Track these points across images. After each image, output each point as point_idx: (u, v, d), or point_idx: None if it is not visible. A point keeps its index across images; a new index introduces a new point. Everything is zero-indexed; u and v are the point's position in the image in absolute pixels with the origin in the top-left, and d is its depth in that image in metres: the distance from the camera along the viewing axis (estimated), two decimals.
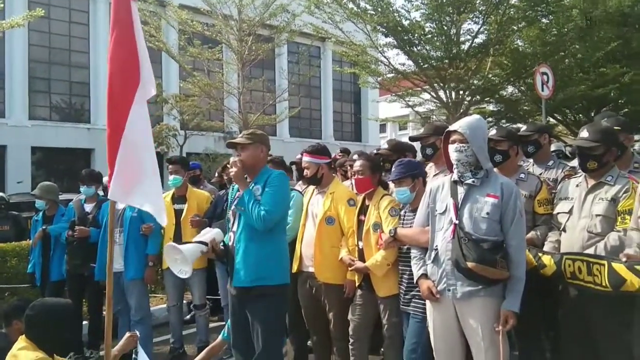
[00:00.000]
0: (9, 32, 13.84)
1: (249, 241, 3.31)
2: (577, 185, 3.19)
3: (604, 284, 2.57)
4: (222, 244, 3.46)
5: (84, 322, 5.27)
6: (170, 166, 5.12)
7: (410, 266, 3.24)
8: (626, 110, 15.02)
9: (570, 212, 3.13)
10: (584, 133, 3.13)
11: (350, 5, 12.94)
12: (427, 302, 3.03)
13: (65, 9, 23.30)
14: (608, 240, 2.91)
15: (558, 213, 3.24)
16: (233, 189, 3.61)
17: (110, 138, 2.81)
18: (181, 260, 3.28)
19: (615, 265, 2.54)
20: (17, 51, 21.65)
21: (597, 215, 3.00)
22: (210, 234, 3.45)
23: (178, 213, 5.04)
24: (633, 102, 14.55)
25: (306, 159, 4.13)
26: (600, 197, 3.02)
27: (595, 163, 3.04)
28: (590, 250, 2.91)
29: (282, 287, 3.37)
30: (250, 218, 3.24)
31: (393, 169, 3.61)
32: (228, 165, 3.98)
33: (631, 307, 2.54)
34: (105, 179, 4.97)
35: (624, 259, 2.56)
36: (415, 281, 3.12)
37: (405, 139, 5.14)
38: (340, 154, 5.97)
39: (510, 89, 15.31)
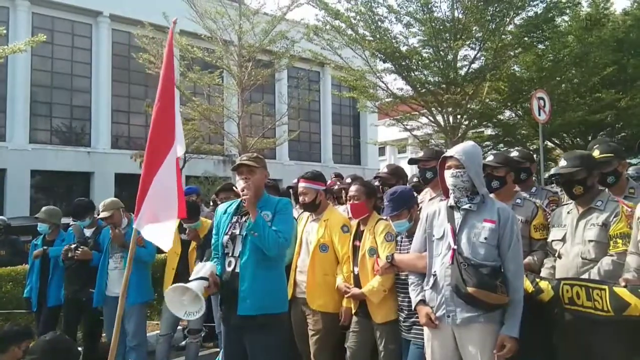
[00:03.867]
0: (12, 57, 14.02)
1: (256, 268, 3.18)
2: (568, 212, 3.21)
3: (605, 309, 2.54)
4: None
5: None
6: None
7: None
8: (623, 134, 15.15)
9: (563, 239, 3.14)
10: (562, 162, 3.19)
11: (349, 32, 13.14)
12: (425, 329, 3.01)
13: (68, 35, 23.65)
14: (601, 265, 2.91)
15: (552, 240, 3.25)
16: (218, 213, 3.48)
17: (144, 178, 3.43)
18: (189, 300, 3.02)
19: (617, 289, 2.52)
20: (20, 75, 21.89)
21: (589, 241, 3.01)
22: (205, 268, 3.24)
23: (185, 243, 5.01)
24: (630, 127, 14.69)
25: (304, 185, 4.11)
26: (592, 223, 3.04)
27: (581, 187, 3.07)
28: (585, 276, 2.91)
29: (283, 315, 3.36)
30: (267, 243, 3.12)
31: (386, 204, 3.53)
32: (228, 190, 3.99)
33: (633, 332, 2.52)
34: (102, 204, 4.98)
35: (623, 284, 2.55)
36: (413, 307, 3.10)
37: (404, 163, 5.15)
38: (334, 178, 5.99)
39: (507, 113, 15.46)
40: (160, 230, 3.41)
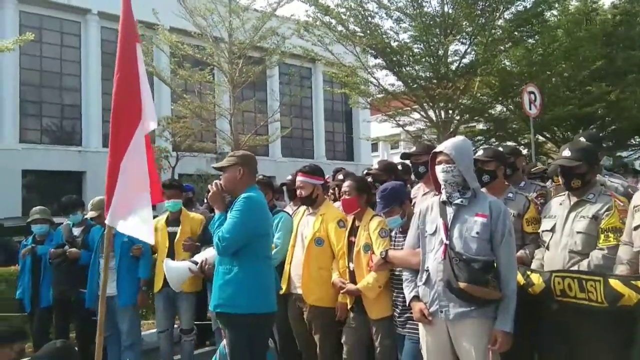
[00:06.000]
0: (0, 56, 13.86)
1: (218, 265, 3.29)
2: (560, 204, 3.23)
3: (599, 300, 2.55)
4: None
5: None
6: (166, 191, 4.93)
7: None
8: (613, 127, 15.24)
9: (552, 229, 3.16)
10: (566, 152, 3.18)
11: (339, 27, 13.12)
12: (420, 325, 3.02)
13: (56, 33, 23.41)
14: (592, 259, 2.93)
15: (543, 231, 3.28)
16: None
17: (110, 166, 2.97)
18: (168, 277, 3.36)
19: (611, 280, 2.53)
20: (8, 75, 21.63)
21: (578, 233, 3.03)
22: (204, 253, 3.49)
23: (172, 236, 4.98)
24: (620, 120, 14.78)
25: (302, 179, 4.10)
26: (582, 215, 3.06)
27: (579, 181, 3.09)
28: (574, 269, 2.92)
29: (252, 316, 3.16)
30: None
31: (378, 201, 3.55)
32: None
33: (628, 323, 2.53)
34: (90, 203, 4.95)
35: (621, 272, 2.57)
36: (407, 303, 3.11)
37: (397, 158, 5.15)
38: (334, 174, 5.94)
39: (498, 107, 15.51)
40: (136, 221, 3.03)
